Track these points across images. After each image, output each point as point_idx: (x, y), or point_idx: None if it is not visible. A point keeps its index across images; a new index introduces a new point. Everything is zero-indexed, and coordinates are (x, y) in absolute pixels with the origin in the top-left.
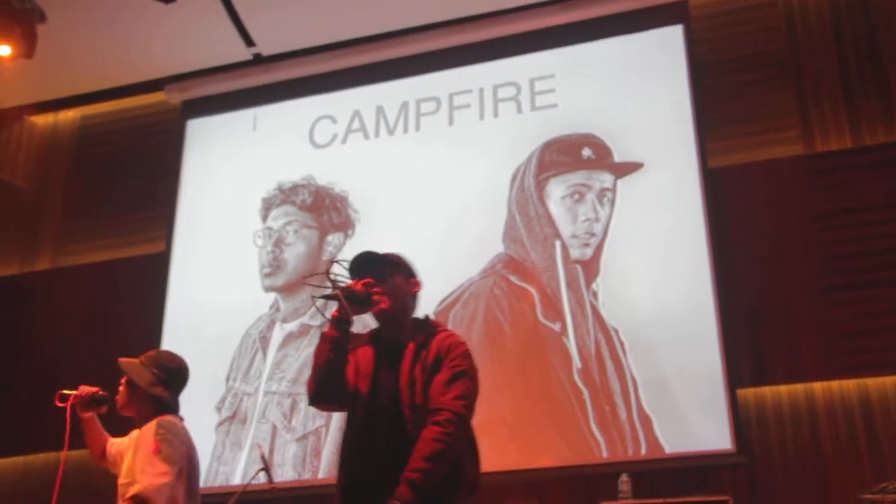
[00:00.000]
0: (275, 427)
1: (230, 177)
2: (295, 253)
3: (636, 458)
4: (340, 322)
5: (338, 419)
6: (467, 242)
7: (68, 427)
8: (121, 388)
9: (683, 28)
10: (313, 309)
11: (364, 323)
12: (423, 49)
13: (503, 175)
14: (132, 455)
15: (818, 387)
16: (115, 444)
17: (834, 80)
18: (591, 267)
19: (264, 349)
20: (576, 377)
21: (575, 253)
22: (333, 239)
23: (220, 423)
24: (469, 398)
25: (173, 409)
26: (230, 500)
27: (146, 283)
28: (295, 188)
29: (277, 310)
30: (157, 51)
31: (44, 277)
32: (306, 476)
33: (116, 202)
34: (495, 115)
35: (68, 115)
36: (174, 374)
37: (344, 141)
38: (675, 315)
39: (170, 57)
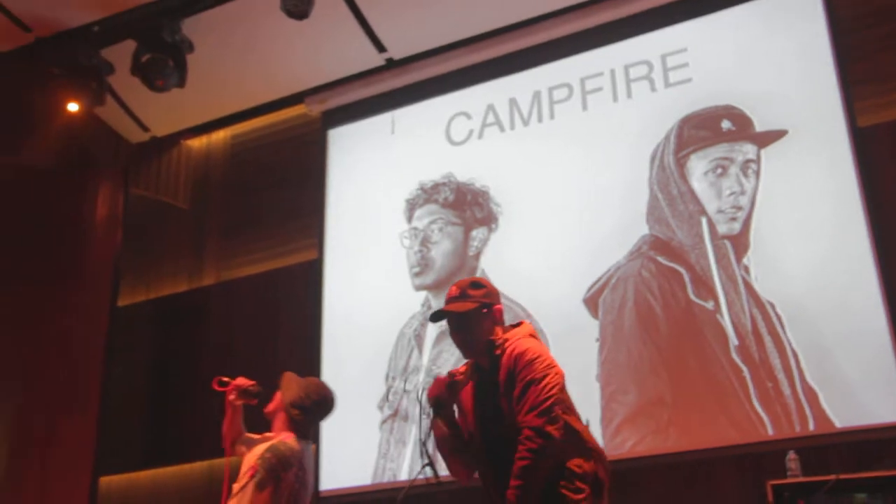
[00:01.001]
0: None
1: (373, 180)
2: (442, 250)
3: (804, 434)
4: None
5: None
6: (610, 226)
7: (228, 413)
8: (277, 395)
9: None
10: None
11: None
12: (550, 36)
13: (642, 156)
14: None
15: None
16: (247, 440)
17: None
18: (740, 241)
19: (419, 347)
20: (733, 355)
21: (722, 228)
22: (478, 234)
23: (384, 421)
24: (544, 402)
25: (303, 432)
26: (399, 495)
27: (303, 290)
28: (436, 187)
29: (429, 307)
30: (294, 66)
31: (210, 292)
32: None
33: (269, 214)
34: (629, 95)
35: (219, 136)
36: (317, 403)
37: (480, 136)
38: (834, 284)
39: (307, 70)
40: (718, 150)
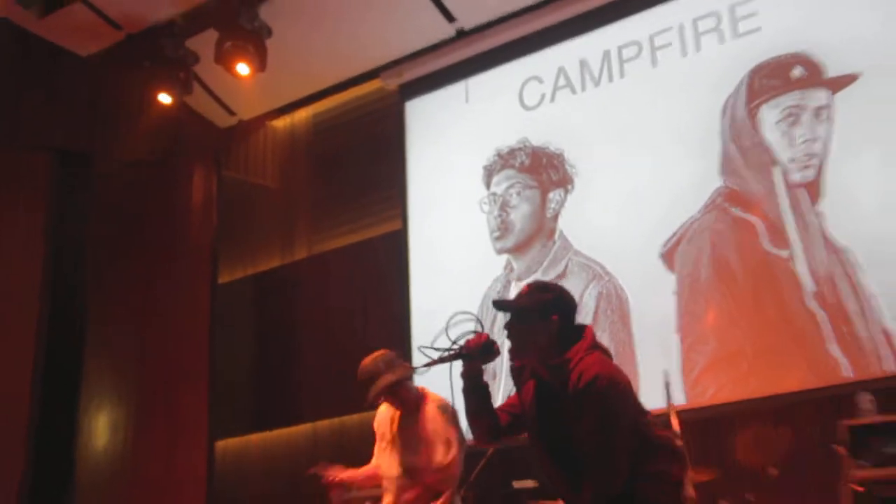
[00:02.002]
0: None
1: (451, 149)
2: (521, 214)
3: (882, 376)
4: (469, 376)
5: None
6: (684, 180)
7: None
8: None
9: None
10: (546, 264)
11: None
12: None
13: (713, 109)
14: None
15: None
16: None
17: None
18: (814, 189)
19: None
20: (810, 302)
21: (796, 177)
22: (555, 196)
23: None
24: (608, 439)
25: None
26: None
27: (389, 259)
28: (512, 152)
29: (511, 270)
30: (367, 43)
31: (302, 265)
32: None
33: (353, 187)
34: (698, 49)
35: (302, 115)
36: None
37: (553, 99)
38: None
39: (380, 46)
40: (790, 99)
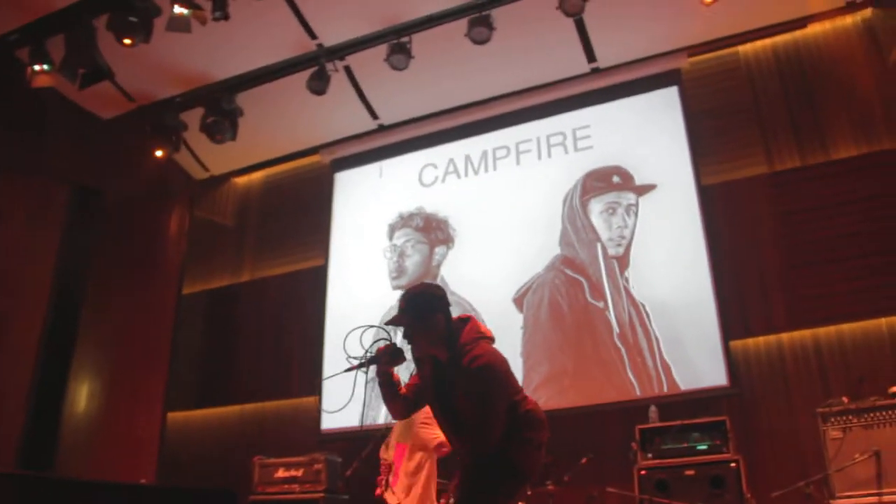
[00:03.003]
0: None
1: (366, 210)
2: (413, 262)
3: (660, 395)
4: (382, 374)
5: None
6: (533, 247)
7: None
8: None
9: (678, 88)
10: None
11: None
12: (496, 113)
13: (557, 198)
14: None
15: (785, 336)
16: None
17: (784, 120)
18: (623, 260)
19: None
20: (616, 340)
21: (611, 251)
22: (439, 250)
23: (367, 382)
24: (485, 410)
25: None
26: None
27: (313, 286)
28: (411, 216)
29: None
30: (313, 128)
31: (245, 286)
32: None
33: (290, 232)
34: (549, 156)
35: (257, 175)
36: None
37: (443, 181)
38: (684, 291)
39: (322, 131)
40: (610, 196)
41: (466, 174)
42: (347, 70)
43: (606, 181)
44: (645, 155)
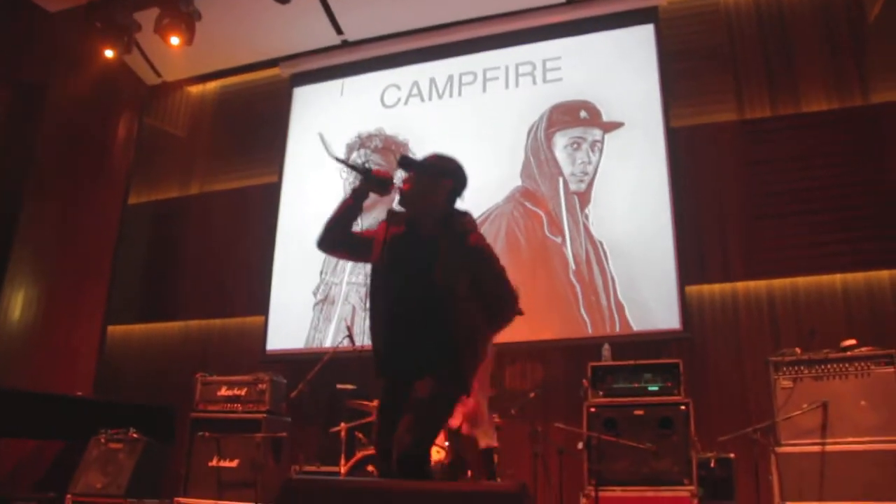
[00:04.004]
0: (354, 307)
1: (324, 128)
2: None
3: (612, 334)
4: (357, 194)
5: None
6: (495, 177)
7: None
8: None
9: (654, 26)
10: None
11: None
12: (465, 37)
13: (522, 129)
14: None
15: (740, 285)
16: None
17: (758, 68)
18: (584, 197)
19: None
20: (571, 276)
21: (573, 186)
22: (398, 173)
23: (315, 304)
24: (503, 280)
25: None
26: (324, 358)
27: (265, 203)
28: (370, 137)
29: (358, 224)
30: (274, 38)
31: (194, 199)
32: None
33: (243, 146)
34: (517, 85)
35: (213, 85)
36: None
37: (406, 103)
38: (644, 233)
39: (284, 42)
40: (576, 131)
41: (430, 98)
42: None
43: (573, 115)
44: (615, 92)
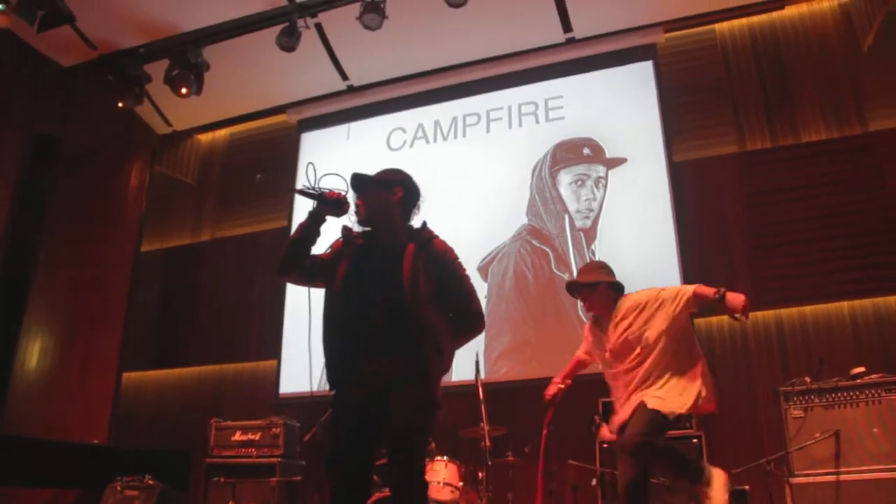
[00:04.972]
0: None
1: (331, 172)
2: None
3: None
4: (314, 217)
5: None
6: (501, 216)
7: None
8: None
9: (653, 63)
10: None
11: None
12: (468, 79)
13: (526, 168)
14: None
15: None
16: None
17: (757, 100)
18: (590, 233)
19: None
20: (580, 312)
21: (579, 223)
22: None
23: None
24: (467, 289)
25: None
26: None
27: (275, 247)
28: None
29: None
30: (281, 85)
31: (206, 245)
32: None
33: (253, 192)
34: (520, 125)
35: (222, 133)
36: None
37: (411, 146)
38: (650, 266)
39: (291, 89)
40: (580, 168)
41: (435, 140)
42: (318, 28)
43: (577, 153)
44: (617, 128)
